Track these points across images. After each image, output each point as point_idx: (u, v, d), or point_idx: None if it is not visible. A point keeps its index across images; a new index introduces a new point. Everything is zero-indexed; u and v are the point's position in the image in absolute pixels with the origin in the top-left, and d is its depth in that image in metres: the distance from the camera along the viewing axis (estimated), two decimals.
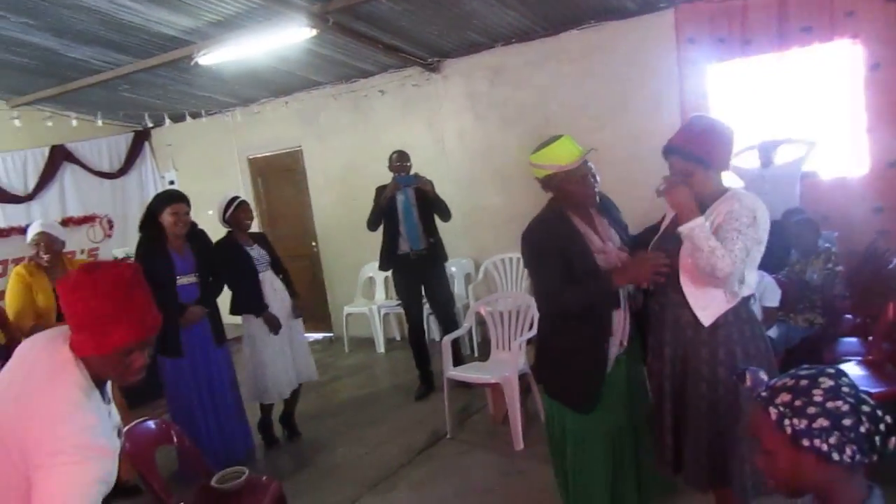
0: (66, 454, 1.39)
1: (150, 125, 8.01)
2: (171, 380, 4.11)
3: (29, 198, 7.35)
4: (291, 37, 5.19)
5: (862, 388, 2.94)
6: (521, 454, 4.03)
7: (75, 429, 1.43)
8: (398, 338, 7.11)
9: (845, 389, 1.35)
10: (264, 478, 3.21)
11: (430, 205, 5.13)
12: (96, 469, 1.42)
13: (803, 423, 1.33)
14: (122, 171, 8.24)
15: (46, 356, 1.58)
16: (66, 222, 6.03)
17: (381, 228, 5.20)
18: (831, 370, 1.39)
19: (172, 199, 4.10)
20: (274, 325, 4.39)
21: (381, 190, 5.15)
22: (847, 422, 1.30)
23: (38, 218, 6.83)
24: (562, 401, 2.70)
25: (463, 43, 6.07)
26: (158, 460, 3.04)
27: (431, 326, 5.70)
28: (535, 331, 4.24)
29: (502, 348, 4.64)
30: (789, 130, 5.02)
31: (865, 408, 1.33)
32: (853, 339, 3.95)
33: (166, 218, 4.01)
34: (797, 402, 1.35)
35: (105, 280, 1.58)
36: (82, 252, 5.97)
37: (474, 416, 4.77)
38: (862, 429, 1.30)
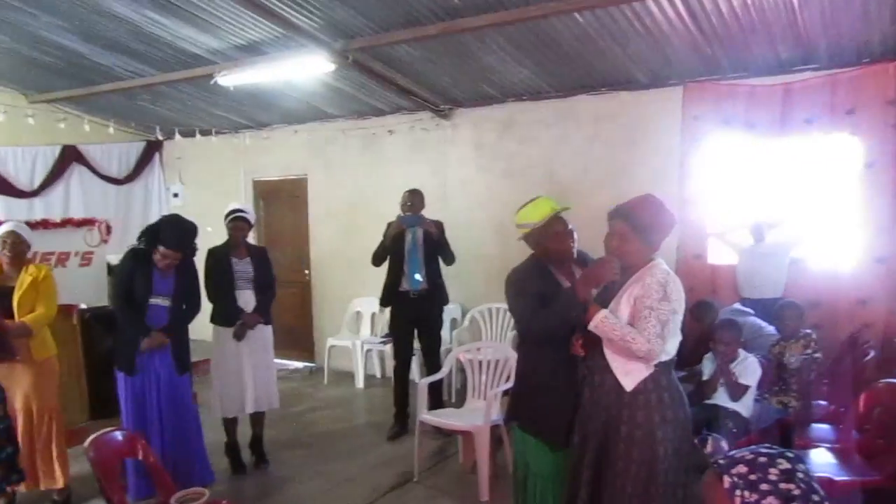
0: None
1: (161, 137, 8.14)
2: (123, 395, 4.01)
3: (33, 194, 7.40)
4: (311, 68, 5.34)
5: (828, 475, 2.95)
6: None
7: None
8: (378, 375, 7.09)
9: (800, 475, 1.39)
10: (224, 502, 3.20)
11: (435, 247, 5.20)
12: None
13: (753, 497, 1.36)
14: (130, 178, 8.32)
15: None
16: (64, 223, 6.08)
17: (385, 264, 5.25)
18: (791, 454, 1.43)
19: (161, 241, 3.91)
20: (238, 334, 4.44)
21: (391, 226, 5.22)
22: None
23: (39, 214, 6.91)
24: (536, 433, 2.81)
25: (475, 94, 6.23)
26: None
27: (413, 367, 5.70)
28: (511, 383, 4.28)
29: (478, 397, 4.65)
30: (784, 213, 5.15)
31: (815, 497, 1.37)
32: (826, 426, 3.96)
33: (158, 253, 3.92)
34: (752, 476, 1.39)
35: None
36: (76, 254, 5.98)
37: (445, 462, 4.75)
38: None
